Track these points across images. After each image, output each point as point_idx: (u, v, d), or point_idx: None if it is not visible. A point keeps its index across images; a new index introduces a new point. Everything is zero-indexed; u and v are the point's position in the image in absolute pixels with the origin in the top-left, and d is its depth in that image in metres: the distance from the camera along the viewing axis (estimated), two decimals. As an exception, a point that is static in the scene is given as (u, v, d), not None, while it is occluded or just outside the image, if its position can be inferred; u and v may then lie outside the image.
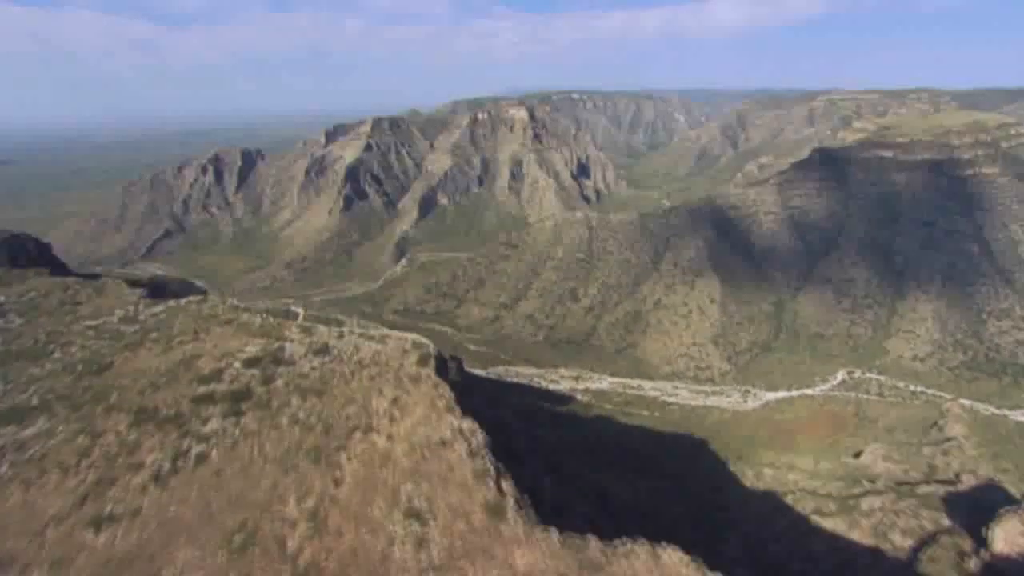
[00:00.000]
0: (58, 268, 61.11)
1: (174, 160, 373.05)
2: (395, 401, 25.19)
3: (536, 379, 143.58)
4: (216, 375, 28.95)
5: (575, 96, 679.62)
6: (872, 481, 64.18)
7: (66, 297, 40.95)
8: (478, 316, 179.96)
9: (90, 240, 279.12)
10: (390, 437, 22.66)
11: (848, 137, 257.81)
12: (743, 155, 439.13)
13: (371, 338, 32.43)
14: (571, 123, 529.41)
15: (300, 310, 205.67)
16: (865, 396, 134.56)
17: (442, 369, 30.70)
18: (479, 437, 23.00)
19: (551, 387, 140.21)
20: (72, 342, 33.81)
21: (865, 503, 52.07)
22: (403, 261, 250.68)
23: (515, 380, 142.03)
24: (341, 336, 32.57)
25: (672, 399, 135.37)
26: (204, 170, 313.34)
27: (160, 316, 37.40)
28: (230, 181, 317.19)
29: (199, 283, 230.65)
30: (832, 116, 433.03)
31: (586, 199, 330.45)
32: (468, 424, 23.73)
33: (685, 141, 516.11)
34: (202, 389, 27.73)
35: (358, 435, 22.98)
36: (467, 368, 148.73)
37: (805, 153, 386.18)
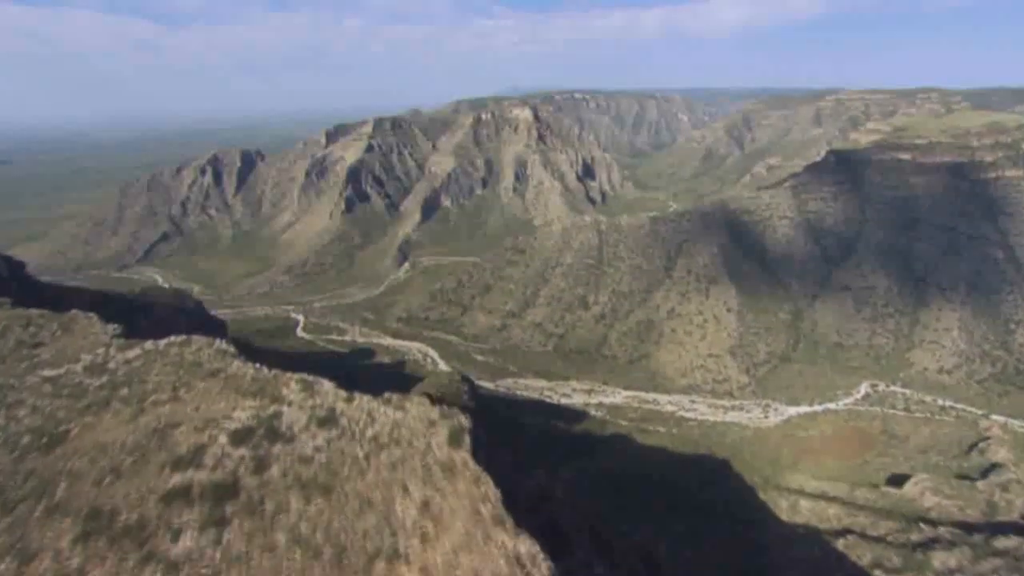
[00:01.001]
0: (30, 291, 55.18)
1: (174, 160, 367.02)
2: (426, 507, 19.09)
3: (547, 392, 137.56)
4: (196, 455, 22.96)
5: (577, 96, 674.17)
6: (931, 524, 58.12)
7: (26, 336, 34.98)
8: (484, 324, 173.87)
9: (86, 243, 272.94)
10: (424, 571, 16.50)
11: (861, 139, 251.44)
12: (750, 156, 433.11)
13: (387, 402, 26.38)
14: (574, 123, 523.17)
15: (301, 317, 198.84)
16: (891, 411, 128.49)
17: (479, 445, 24.62)
18: (544, 570, 16.91)
19: (563, 401, 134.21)
20: (22, 401, 27.85)
21: (937, 559, 46.21)
22: (406, 265, 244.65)
23: (526, 394, 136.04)
24: (350, 399, 26.58)
25: (690, 414, 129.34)
26: (203, 171, 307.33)
27: (134, 364, 31.41)
28: (229, 183, 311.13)
29: (196, 288, 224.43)
30: (840, 116, 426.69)
31: (591, 201, 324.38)
32: (527, 546, 17.67)
33: (690, 141, 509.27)
34: (176, 479, 21.73)
35: (381, 566, 16.86)
36: (476, 381, 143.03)
37: (814, 154, 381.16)
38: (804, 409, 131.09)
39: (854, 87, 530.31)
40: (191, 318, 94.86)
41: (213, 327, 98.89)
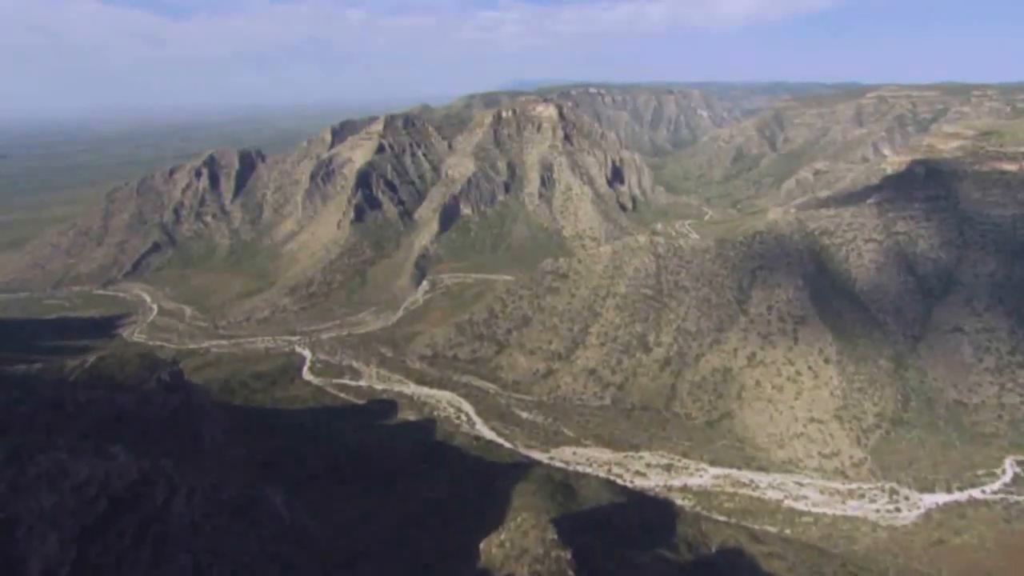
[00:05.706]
0: None
1: (173, 156, 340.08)
2: None
3: (615, 469, 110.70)
4: None
5: (592, 90, 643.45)
6: None
7: None
8: (525, 368, 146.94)
9: (68, 255, 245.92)
10: None
11: (938, 144, 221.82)
12: (785, 157, 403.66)
13: None
14: (593, 119, 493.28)
15: (307, 353, 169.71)
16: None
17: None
18: None
19: (637, 481, 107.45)
20: None
21: None
22: (424, 284, 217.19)
23: (590, 471, 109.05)
24: None
25: (800, 504, 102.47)
26: (198, 174, 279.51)
27: None
28: (227, 186, 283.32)
29: (188, 310, 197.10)
30: (885, 115, 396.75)
31: (622, 207, 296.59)
32: None
33: (716, 140, 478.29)
34: None
35: None
36: (524, 449, 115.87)
37: (859, 156, 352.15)
38: (942, 498, 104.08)
39: (873, 82, 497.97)
40: (166, 411, 68.08)
41: (189, 420, 71.94)
